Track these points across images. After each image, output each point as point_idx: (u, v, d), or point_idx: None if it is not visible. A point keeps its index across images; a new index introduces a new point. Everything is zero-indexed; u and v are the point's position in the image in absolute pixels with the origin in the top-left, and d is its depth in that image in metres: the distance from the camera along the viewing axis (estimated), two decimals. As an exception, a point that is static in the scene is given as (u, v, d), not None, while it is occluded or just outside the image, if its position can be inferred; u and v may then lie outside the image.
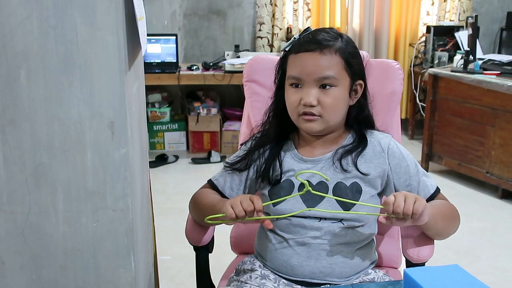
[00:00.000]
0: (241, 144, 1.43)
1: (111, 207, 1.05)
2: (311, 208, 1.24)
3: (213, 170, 3.87)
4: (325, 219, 1.25)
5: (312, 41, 1.23)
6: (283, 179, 1.29)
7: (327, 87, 1.22)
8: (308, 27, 1.31)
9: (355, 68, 1.26)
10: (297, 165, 1.29)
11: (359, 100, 1.30)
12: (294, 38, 1.28)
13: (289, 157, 1.31)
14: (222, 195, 1.35)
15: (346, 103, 1.27)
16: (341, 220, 1.25)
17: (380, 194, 1.30)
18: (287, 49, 1.28)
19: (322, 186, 1.26)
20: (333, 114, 1.25)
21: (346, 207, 1.23)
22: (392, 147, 1.29)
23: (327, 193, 1.24)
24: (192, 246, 1.40)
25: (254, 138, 1.38)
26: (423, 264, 1.30)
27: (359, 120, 1.32)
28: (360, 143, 1.29)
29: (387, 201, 1.11)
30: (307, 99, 1.22)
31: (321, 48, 1.22)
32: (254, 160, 1.34)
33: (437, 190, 1.32)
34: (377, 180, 1.27)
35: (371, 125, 1.34)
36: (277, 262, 1.29)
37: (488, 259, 2.60)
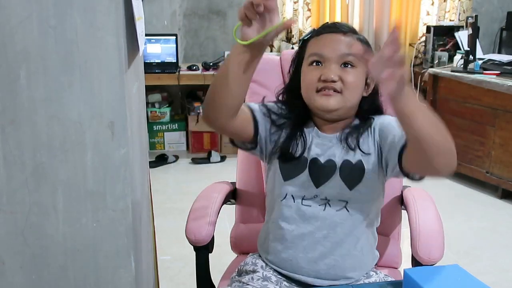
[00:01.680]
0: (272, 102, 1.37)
1: (111, 207, 1.05)
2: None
3: (213, 170, 3.88)
4: (330, 205, 1.25)
5: (335, 26, 1.27)
6: (297, 155, 1.28)
7: (349, 66, 1.22)
8: (327, 22, 1.33)
9: None
10: (316, 140, 1.29)
11: (372, 93, 1.30)
12: (313, 29, 1.31)
13: (307, 134, 1.31)
14: (252, 113, 1.28)
15: (362, 89, 1.27)
16: (345, 205, 1.25)
17: (381, 168, 1.28)
18: (306, 38, 1.30)
19: (331, 165, 1.26)
20: (352, 93, 1.24)
21: (350, 186, 1.24)
22: (382, 117, 1.29)
23: (334, 172, 1.25)
24: (192, 246, 1.40)
25: (286, 108, 1.34)
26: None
27: (370, 111, 1.32)
28: (366, 124, 1.29)
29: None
30: (329, 74, 1.20)
31: (344, 31, 1.26)
32: (285, 127, 1.31)
33: None
34: (375, 154, 1.27)
35: (381, 112, 1.34)
36: (282, 257, 1.29)
37: (488, 259, 2.60)
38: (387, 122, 1.26)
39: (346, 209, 1.25)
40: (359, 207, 1.26)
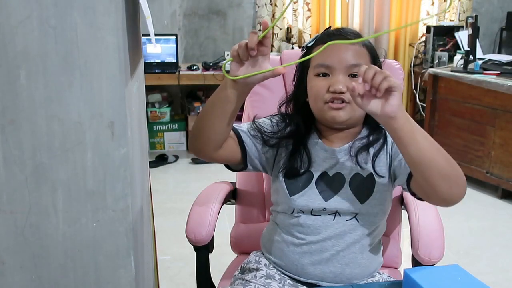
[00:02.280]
0: (268, 117, 1.37)
1: (111, 207, 1.05)
2: (327, 200, 1.24)
3: (213, 170, 3.88)
4: (339, 215, 1.25)
5: (340, 33, 1.25)
6: (303, 170, 1.27)
7: (356, 76, 1.21)
8: (330, 26, 1.31)
9: (377, 64, 1.27)
10: (322, 154, 1.28)
11: None
12: (317, 35, 1.29)
13: (311, 146, 1.30)
14: (239, 137, 1.28)
15: None
16: (355, 215, 1.25)
17: (390, 179, 1.28)
18: (310, 45, 1.28)
19: (339, 177, 1.25)
20: None
21: (361, 199, 1.23)
22: None
23: (344, 186, 1.24)
24: (192, 246, 1.40)
25: (283, 123, 1.34)
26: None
27: None
28: (377, 136, 1.27)
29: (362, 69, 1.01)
30: (337, 86, 1.19)
31: (350, 39, 1.23)
32: (278, 143, 1.31)
33: None
34: (387, 168, 1.27)
35: None
36: (287, 260, 1.29)
37: (488, 259, 2.60)
38: None
39: (356, 219, 1.25)
40: (369, 219, 1.26)
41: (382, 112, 0.99)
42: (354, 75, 1.22)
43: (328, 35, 1.26)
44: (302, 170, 1.27)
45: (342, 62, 1.21)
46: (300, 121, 1.31)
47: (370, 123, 1.30)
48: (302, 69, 1.31)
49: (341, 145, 1.28)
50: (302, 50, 1.32)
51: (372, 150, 1.26)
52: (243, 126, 1.31)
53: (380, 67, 1.29)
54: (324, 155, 1.28)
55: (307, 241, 1.26)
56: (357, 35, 1.27)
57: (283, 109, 1.36)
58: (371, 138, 1.28)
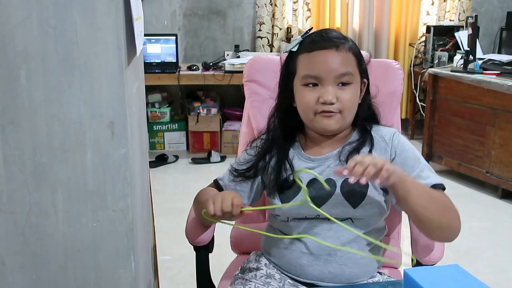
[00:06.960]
0: (248, 148, 1.40)
1: (111, 207, 1.05)
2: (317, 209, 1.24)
3: (213, 170, 3.88)
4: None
5: (325, 39, 1.23)
6: (290, 181, 1.28)
7: (345, 84, 1.22)
8: (311, 28, 1.31)
9: (363, 66, 1.28)
10: (305, 165, 1.28)
11: (365, 98, 1.30)
12: (299, 38, 1.27)
13: (296, 158, 1.30)
14: None
15: (357, 101, 1.27)
16: (350, 217, 1.24)
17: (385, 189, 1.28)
18: (294, 49, 1.27)
19: (330, 183, 1.24)
20: (350, 111, 1.24)
21: (354, 204, 1.23)
22: (395, 138, 1.28)
23: (335, 191, 1.23)
24: (192, 246, 1.40)
25: (258, 143, 1.36)
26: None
27: (367, 118, 1.32)
28: (366, 140, 1.27)
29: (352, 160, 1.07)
30: (327, 97, 1.20)
31: (336, 45, 1.22)
32: (262, 168, 1.33)
33: (436, 186, 1.22)
34: None
35: (376, 121, 1.34)
36: (286, 261, 1.28)
37: (488, 259, 2.60)
38: (404, 156, 1.25)
39: (351, 220, 1.25)
40: (364, 221, 1.25)
41: (380, 184, 1.11)
42: (343, 84, 1.22)
43: (314, 43, 1.24)
44: (291, 181, 1.27)
45: (331, 72, 1.21)
46: (281, 134, 1.32)
47: (359, 125, 1.31)
48: (288, 75, 1.30)
49: (331, 150, 1.28)
50: (284, 52, 1.31)
51: (362, 154, 1.26)
52: (225, 178, 1.35)
53: (365, 70, 1.30)
54: (309, 165, 1.28)
55: (304, 242, 1.26)
56: (341, 37, 1.25)
57: (272, 121, 1.37)
58: (361, 141, 1.28)
